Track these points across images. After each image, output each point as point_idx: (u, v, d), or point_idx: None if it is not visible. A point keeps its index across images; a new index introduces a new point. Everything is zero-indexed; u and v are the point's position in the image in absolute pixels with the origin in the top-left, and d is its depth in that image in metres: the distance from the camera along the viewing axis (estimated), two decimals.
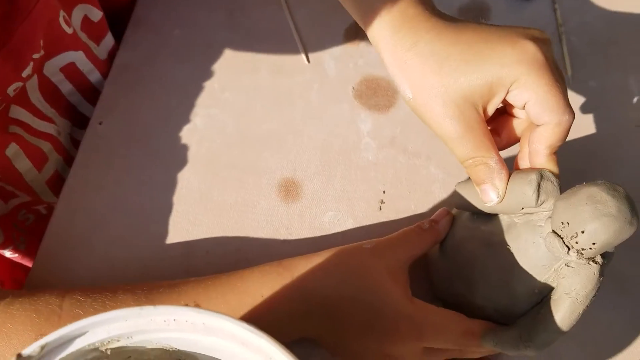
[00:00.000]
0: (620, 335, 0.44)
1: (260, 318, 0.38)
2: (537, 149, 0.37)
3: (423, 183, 0.48)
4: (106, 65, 0.52)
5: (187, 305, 0.37)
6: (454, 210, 0.43)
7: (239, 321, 0.26)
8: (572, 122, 0.36)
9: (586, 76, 0.52)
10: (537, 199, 0.35)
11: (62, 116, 0.51)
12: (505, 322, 0.38)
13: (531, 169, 0.37)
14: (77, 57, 0.48)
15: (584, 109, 0.51)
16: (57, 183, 0.52)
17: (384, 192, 0.48)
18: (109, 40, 0.51)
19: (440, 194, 0.48)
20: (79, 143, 0.49)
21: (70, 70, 0.49)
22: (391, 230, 0.46)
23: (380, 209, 0.47)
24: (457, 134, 0.36)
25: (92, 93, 0.53)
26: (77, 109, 0.53)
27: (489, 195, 0.37)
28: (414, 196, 0.48)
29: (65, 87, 0.50)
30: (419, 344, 0.37)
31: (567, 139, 0.40)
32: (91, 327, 0.27)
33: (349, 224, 0.47)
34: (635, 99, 0.51)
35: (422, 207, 0.47)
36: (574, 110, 0.37)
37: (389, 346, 0.38)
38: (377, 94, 0.50)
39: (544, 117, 0.36)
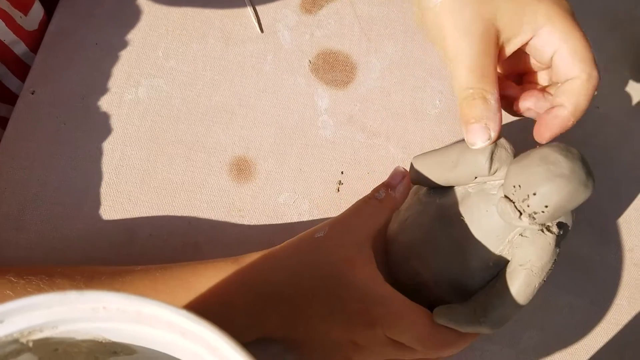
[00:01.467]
0: (580, 320, 0.43)
1: (214, 316, 0.35)
2: (562, 106, 0.35)
3: (382, 164, 0.46)
4: (35, 37, 0.47)
5: None
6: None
7: (176, 308, 0.23)
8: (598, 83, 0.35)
9: None
10: (490, 167, 0.33)
11: None
12: (460, 300, 0.36)
13: None
14: None
15: None
16: None
17: (342, 172, 0.45)
18: (37, 10, 0.47)
19: None
20: (2, 119, 0.44)
21: None
22: None
23: (338, 190, 0.45)
24: (471, 53, 0.34)
25: (18, 65, 0.48)
26: (2, 83, 0.48)
27: (477, 135, 0.34)
28: (373, 177, 0.45)
29: None
30: (387, 331, 0.35)
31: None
32: (7, 315, 0.23)
33: (305, 206, 0.44)
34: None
35: None
36: None
37: (354, 332, 0.35)
38: (335, 68, 0.48)
39: (575, 69, 0.34)
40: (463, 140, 0.35)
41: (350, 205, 0.44)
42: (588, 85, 0.34)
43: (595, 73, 0.34)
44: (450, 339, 0.35)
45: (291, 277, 0.36)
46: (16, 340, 0.24)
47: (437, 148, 0.38)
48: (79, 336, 0.26)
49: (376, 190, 0.39)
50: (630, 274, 0.44)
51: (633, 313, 0.43)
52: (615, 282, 0.44)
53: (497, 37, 0.34)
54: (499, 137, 0.34)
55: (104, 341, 0.27)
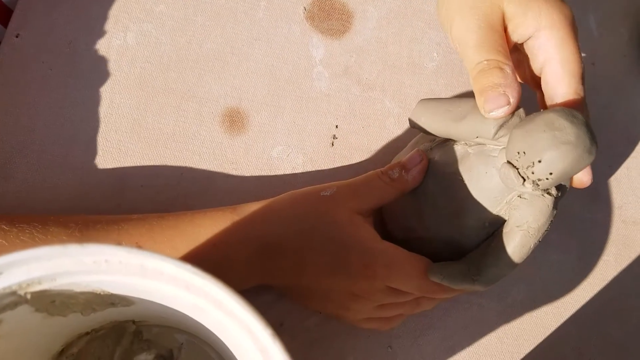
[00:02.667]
0: (568, 275, 0.44)
1: (213, 265, 0.35)
2: (557, 84, 0.35)
3: (377, 117, 0.45)
4: None
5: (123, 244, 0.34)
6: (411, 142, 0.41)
7: (181, 262, 0.23)
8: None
9: None
10: (496, 133, 0.33)
11: None
12: (455, 258, 0.37)
13: None
14: None
15: None
16: None
17: (336, 126, 0.44)
18: None
19: (395, 130, 0.45)
20: None
21: None
22: (344, 167, 0.44)
23: (333, 144, 0.44)
24: (479, 29, 0.33)
25: (1, 10, 0.45)
26: None
27: (495, 101, 0.32)
28: (368, 132, 0.45)
29: None
30: (385, 282, 0.36)
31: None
32: (6, 267, 0.23)
33: (299, 159, 0.43)
34: (593, 37, 0.49)
35: (376, 143, 0.45)
36: None
37: (355, 284, 0.36)
38: (331, 16, 0.46)
39: (563, 83, 0.34)
40: None
41: (345, 158, 0.44)
42: (574, 103, 0.34)
43: (581, 91, 0.34)
44: (444, 285, 0.36)
45: (294, 230, 0.36)
46: (14, 293, 0.24)
47: (446, 97, 0.38)
48: (78, 288, 0.25)
49: (391, 167, 0.38)
50: (618, 231, 0.45)
51: (619, 269, 0.44)
52: (603, 239, 0.45)
53: (504, 21, 0.34)
54: (517, 108, 0.33)
55: (102, 293, 0.26)
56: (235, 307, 0.23)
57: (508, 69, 0.33)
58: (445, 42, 0.47)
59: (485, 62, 0.33)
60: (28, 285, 0.23)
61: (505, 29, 0.35)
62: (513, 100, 0.32)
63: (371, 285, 0.36)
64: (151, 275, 0.23)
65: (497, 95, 0.32)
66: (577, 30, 0.35)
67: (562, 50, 0.34)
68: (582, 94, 0.34)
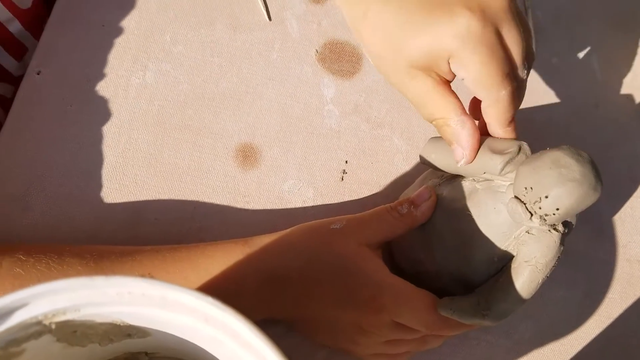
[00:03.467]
0: (574, 312, 0.45)
1: (223, 297, 0.36)
2: (489, 124, 0.36)
3: (386, 154, 0.46)
4: (29, 15, 0.46)
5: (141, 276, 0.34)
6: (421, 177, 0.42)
7: (202, 294, 0.24)
8: (515, 92, 0.34)
9: (549, 52, 0.52)
10: (502, 169, 0.34)
11: None
12: (463, 293, 0.37)
13: (511, 140, 0.35)
14: None
15: (545, 85, 0.51)
16: None
17: (346, 162, 0.46)
18: None
19: (403, 166, 0.46)
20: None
21: None
22: (353, 202, 0.45)
23: (342, 179, 0.45)
24: (415, 98, 0.36)
25: (13, 44, 0.47)
26: None
27: (456, 154, 0.36)
28: (377, 167, 0.46)
29: None
30: (392, 317, 0.36)
31: (524, 114, 0.39)
32: (34, 298, 0.23)
33: (309, 194, 0.45)
34: (596, 79, 0.51)
35: (385, 179, 0.46)
36: (524, 80, 0.35)
37: (362, 318, 0.36)
38: (342, 58, 0.48)
39: (480, 95, 0.34)
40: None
41: (354, 193, 0.45)
42: (498, 106, 0.34)
43: (502, 93, 0.33)
44: (452, 321, 0.37)
45: (304, 262, 0.37)
46: (39, 322, 0.25)
47: None
48: (99, 319, 0.26)
49: (400, 203, 0.39)
50: (622, 269, 0.46)
51: (624, 307, 0.45)
52: (608, 276, 0.46)
53: (429, 75, 0.34)
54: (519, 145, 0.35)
55: (122, 324, 0.27)
56: (252, 338, 0.24)
57: (452, 123, 0.35)
58: (453, 83, 0.48)
59: (434, 122, 0.36)
60: (53, 315, 0.24)
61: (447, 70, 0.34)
62: (466, 152, 0.35)
63: (378, 319, 0.36)
64: (171, 306, 0.24)
65: (455, 149, 0.36)
66: (492, 27, 0.32)
67: (470, 70, 0.33)
68: (504, 96, 0.33)
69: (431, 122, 0.36)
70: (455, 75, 0.35)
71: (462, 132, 0.35)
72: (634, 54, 0.52)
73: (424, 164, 0.40)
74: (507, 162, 0.34)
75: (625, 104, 0.50)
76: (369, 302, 0.36)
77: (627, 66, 0.51)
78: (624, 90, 0.51)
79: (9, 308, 0.23)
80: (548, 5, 0.54)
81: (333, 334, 0.39)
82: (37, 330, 0.25)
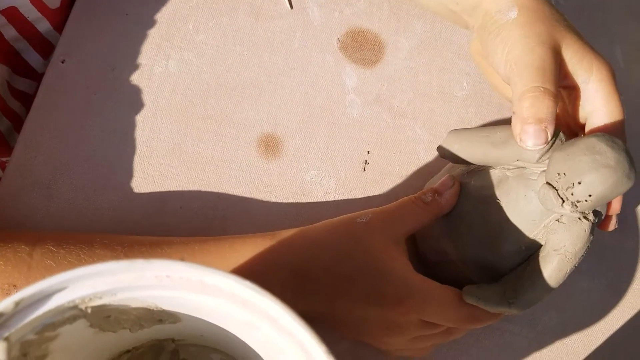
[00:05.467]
0: (598, 303, 0.44)
1: None
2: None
3: (408, 144, 0.46)
4: (58, 15, 0.46)
5: None
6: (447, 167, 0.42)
7: (241, 279, 0.24)
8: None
9: None
10: (540, 157, 0.34)
11: (2, 62, 0.46)
12: (488, 282, 0.37)
13: None
14: (21, 3, 0.43)
15: None
16: None
17: (368, 152, 0.46)
18: None
19: (426, 157, 0.46)
20: (18, 92, 0.43)
21: (12, 15, 0.43)
22: (375, 192, 0.45)
23: (364, 169, 0.45)
24: (543, 57, 0.34)
25: (40, 42, 0.47)
26: (21, 56, 0.47)
27: (536, 137, 0.33)
28: (399, 157, 0.46)
29: (9, 32, 0.44)
30: (419, 316, 0.36)
31: None
32: (72, 282, 0.23)
33: (331, 184, 0.44)
34: (619, 68, 0.51)
35: (407, 169, 0.46)
36: None
37: (389, 318, 0.36)
38: (364, 47, 0.48)
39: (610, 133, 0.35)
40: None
41: (376, 183, 0.45)
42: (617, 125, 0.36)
43: (624, 138, 0.36)
44: (477, 315, 0.37)
45: (330, 258, 0.37)
46: (76, 307, 0.25)
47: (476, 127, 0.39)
48: (134, 304, 0.26)
49: (424, 192, 0.39)
50: None
51: None
52: (632, 266, 0.45)
53: (560, 61, 0.36)
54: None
55: (155, 309, 0.27)
56: (292, 324, 0.24)
57: (556, 104, 0.34)
58: (474, 72, 0.48)
59: (542, 88, 0.33)
60: (90, 299, 0.24)
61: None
62: (549, 138, 0.33)
63: (405, 319, 0.36)
64: (210, 291, 0.24)
65: (539, 131, 0.33)
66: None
67: (609, 104, 0.36)
68: (625, 142, 0.36)
69: (531, 89, 0.34)
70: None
71: (554, 117, 0.34)
72: None
73: (442, 157, 0.40)
74: (546, 151, 0.33)
75: None
76: (395, 303, 0.36)
77: None
78: None
79: (48, 292, 0.23)
80: None
81: (358, 332, 0.39)
82: (73, 314, 0.25)
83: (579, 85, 0.37)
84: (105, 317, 0.27)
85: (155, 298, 0.26)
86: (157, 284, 0.24)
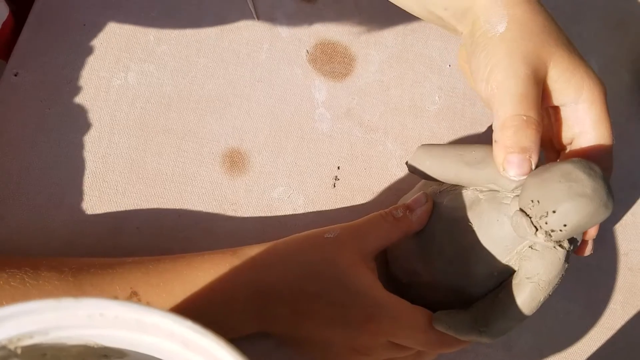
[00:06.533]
0: (575, 324, 0.43)
1: (210, 312, 0.34)
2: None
3: (379, 159, 0.45)
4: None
5: (118, 294, 0.32)
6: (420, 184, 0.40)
7: (180, 318, 0.22)
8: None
9: None
10: (517, 187, 0.32)
11: None
12: (460, 306, 0.36)
13: None
14: None
15: None
16: None
17: (338, 167, 0.44)
18: (2, 10, 0.44)
19: (397, 172, 0.45)
20: None
21: None
22: (345, 209, 0.43)
23: (334, 186, 0.43)
24: (526, 81, 0.33)
25: None
26: None
27: (518, 167, 0.31)
28: (370, 173, 0.44)
29: None
30: (388, 337, 0.34)
31: None
32: None
33: (300, 201, 0.43)
34: None
35: (378, 185, 0.44)
36: None
37: (357, 339, 0.34)
38: (333, 59, 0.46)
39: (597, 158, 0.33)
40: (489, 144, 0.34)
41: (346, 200, 0.43)
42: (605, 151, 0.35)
43: (611, 164, 0.35)
44: (448, 340, 0.35)
45: (295, 275, 0.35)
46: (4, 347, 0.23)
47: (446, 144, 0.37)
48: (70, 342, 0.24)
49: (395, 208, 0.38)
50: (624, 279, 0.44)
51: (626, 317, 0.43)
52: (609, 286, 0.44)
53: (545, 81, 0.34)
54: None
55: (95, 346, 0.25)
56: None
57: (539, 132, 0.32)
58: (447, 85, 0.47)
59: (524, 117, 0.32)
60: (19, 339, 0.22)
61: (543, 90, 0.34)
62: (533, 167, 0.32)
63: (373, 340, 0.34)
64: (148, 330, 0.22)
65: (522, 161, 0.31)
66: None
67: (599, 128, 0.34)
68: (611, 169, 0.35)
69: (514, 117, 0.32)
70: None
71: (538, 145, 0.32)
72: (633, 55, 0.50)
73: (412, 173, 0.38)
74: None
75: (624, 107, 0.49)
76: (363, 323, 0.34)
77: (626, 68, 0.50)
78: (623, 92, 0.49)
79: None
80: (546, 5, 0.52)
81: (324, 353, 0.37)
82: (1, 355, 0.23)
83: (567, 105, 0.35)
84: (40, 355, 0.25)
85: (92, 336, 0.24)
86: (91, 323, 0.22)
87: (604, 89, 0.35)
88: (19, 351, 0.23)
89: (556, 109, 0.36)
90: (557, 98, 0.35)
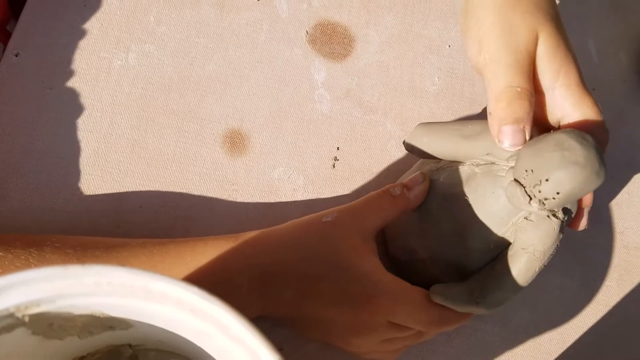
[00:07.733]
0: (570, 300, 0.44)
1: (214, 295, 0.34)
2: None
3: (379, 140, 0.45)
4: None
5: None
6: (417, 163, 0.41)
7: (188, 285, 0.22)
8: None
9: None
10: (512, 156, 0.33)
11: None
12: (457, 281, 0.36)
13: None
14: None
15: None
16: None
17: (337, 148, 0.44)
18: None
19: (396, 153, 0.45)
20: None
21: None
22: (345, 189, 0.43)
23: (334, 166, 0.44)
24: (519, 53, 0.32)
25: None
26: None
27: (513, 137, 0.32)
28: (369, 154, 0.44)
29: None
30: (388, 317, 0.35)
31: None
32: (4, 289, 0.22)
33: (300, 181, 0.43)
34: (593, 62, 0.50)
35: (378, 166, 0.44)
36: None
37: (359, 317, 0.35)
38: (333, 40, 0.46)
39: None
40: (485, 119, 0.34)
41: (346, 181, 0.43)
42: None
43: (606, 137, 0.34)
44: (447, 318, 0.36)
45: (296, 258, 0.35)
46: (11, 315, 0.23)
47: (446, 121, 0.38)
48: (77, 311, 0.25)
49: (392, 186, 0.38)
50: (620, 256, 0.45)
51: (622, 294, 0.44)
52: (605, 264, 0.45)
53: (535, 54, 0.34)
54: None
55: (101, 316, 0.26)
56: (243, 332, 0.22)
57: (533, 103, 0.32)
58: (446, 66, 0.47)
59: (518, 88, 0.32)
60: (26, 307, 0.23)
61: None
62: (528, 138, 0.32)
63: (374, 320, 0.35)
64: (155, 298, 0.23)
65: (517, 131, 0.32)
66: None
67: (581, 108, 0.34)
68: (606, 142, 0.34)
69: (508, 88, 0.32)
70: None
71: (531, 108, 0.32)
72: (631, 37, 0.51)
73: (409, 151, 0.39)
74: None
75: (621, 88, 0.49)
76: (364, 303, 0.35)
77: (624, 50, 0.50)
78: (621, 74, 0.50)
79: None
80: None
81: (326, 333, 0.37)
82: (9, 323, 0.23)
83: (545, 91, 0.34)
84: (47, 324, 0.25)
85: (99, 305, 0.24)
86: (97, 290, 0.22)
87: (578, 70, 0.34)
88: (26, 319, 0.23)
89: (537, 95, 0.36)
90: (537, 79, 0.34)
